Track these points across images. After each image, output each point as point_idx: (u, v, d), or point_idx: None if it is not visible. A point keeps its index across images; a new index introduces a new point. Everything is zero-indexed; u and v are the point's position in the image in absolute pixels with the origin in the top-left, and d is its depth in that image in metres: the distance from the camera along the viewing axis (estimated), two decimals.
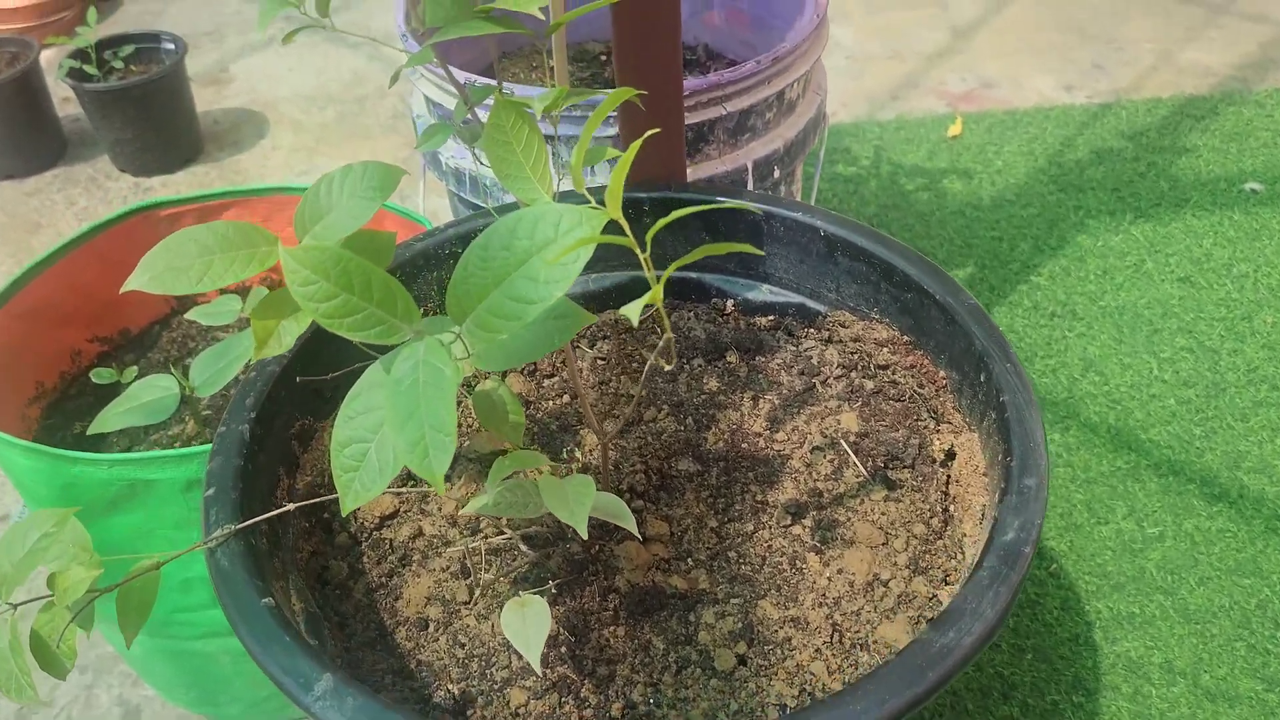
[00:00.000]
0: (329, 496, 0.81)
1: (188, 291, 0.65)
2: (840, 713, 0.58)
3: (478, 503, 0.73)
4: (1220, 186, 1.90)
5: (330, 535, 0.84)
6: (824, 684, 0.71)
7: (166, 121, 2.07)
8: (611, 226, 0.58)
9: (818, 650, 0.73)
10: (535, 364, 0.98)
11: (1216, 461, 1.43)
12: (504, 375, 0.97)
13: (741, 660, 0.73)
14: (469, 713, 0.71)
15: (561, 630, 0.75)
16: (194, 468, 1.00)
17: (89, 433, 1.08)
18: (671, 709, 0.70)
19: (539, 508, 0.72)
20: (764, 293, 1.00)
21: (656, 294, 0.56)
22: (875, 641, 0.73)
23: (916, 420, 0.88)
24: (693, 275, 1.02)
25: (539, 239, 0.59)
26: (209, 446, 1.01)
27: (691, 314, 1.02)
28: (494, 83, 0.94)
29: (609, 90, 1.02)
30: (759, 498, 0.84)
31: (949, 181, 1.95)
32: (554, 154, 1.12)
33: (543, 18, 0.64)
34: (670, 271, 0.60)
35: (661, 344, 0.61)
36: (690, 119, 1.11)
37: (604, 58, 1.47)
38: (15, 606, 0.64)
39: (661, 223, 0.57)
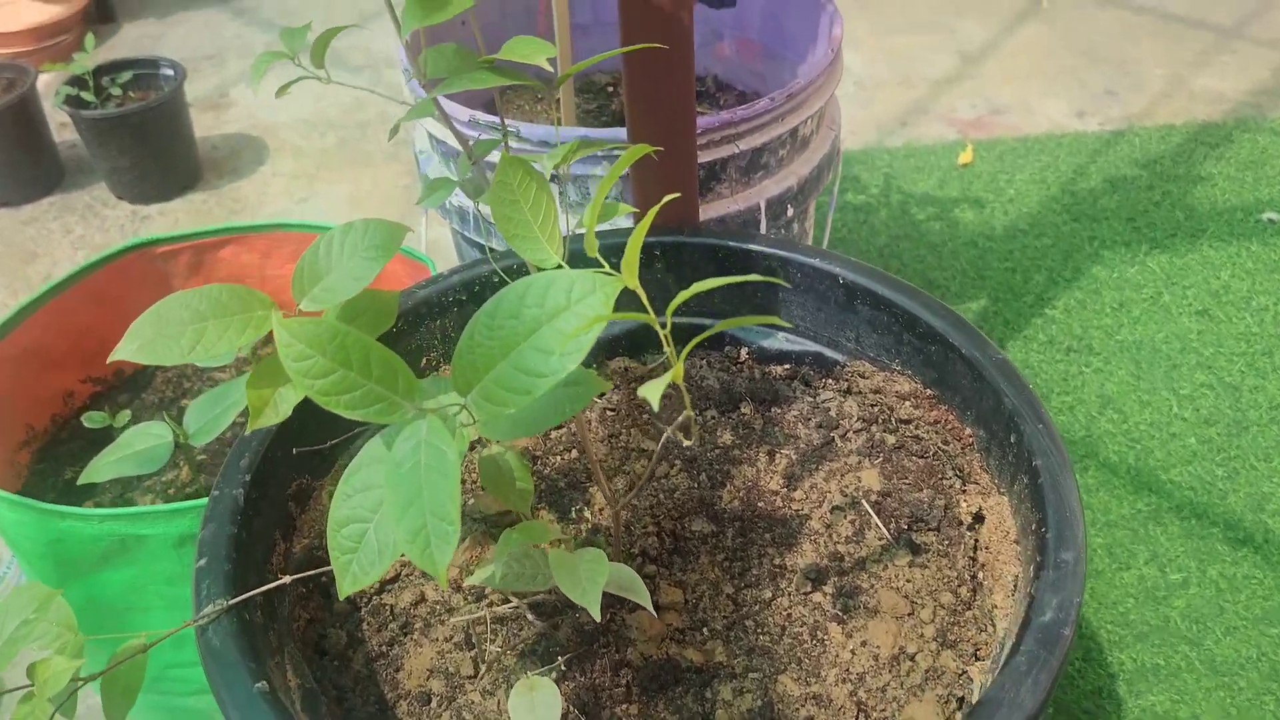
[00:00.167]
0: (327, 568, 0.77)
1: (179, 362, 0.61)
2: None
3: (484, 573, 0.69)
4: (1237, 216, 1.86)
5: (329, 600, 0.80)
6: None
7: (164, 149, 2.04)
8: (628, 297, 0.55)
9: None
10: None
11: (1240, 504, 1.39)
12: None
13: None
14: None
15: (571, 709, 0.71)
16: (186, 522, 0.96)
17: (79, 482, 1.04)
18: None
19: (548, 580, 0.68)
20: (780, 340, 0.96)
21: (678, 372, 0.52)
22: None
23: (941, 479, 0.84)
24: (706, 322, 0.98)
25: (549, 307, 0.55)
26: (202, 501, 0.97)
27: (704, 362, 0.98)
28: (498, 130, 0.90)
29: (621, 137, 0.98)
30: (777, 561, 0.80)
31: (960, 211, 1.92)
32: (560, 192, 1.09)
33: (550, 69, 0.60)
34: (693, 343, 0.56)
35: (681, 419, 0.57)
36: (702, 157, 1.08)
37: (611, 89, 1.44)
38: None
39: (682, 296, 0.53)
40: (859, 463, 0.87)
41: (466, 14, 1.33)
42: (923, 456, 0.86)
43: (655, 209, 0.55)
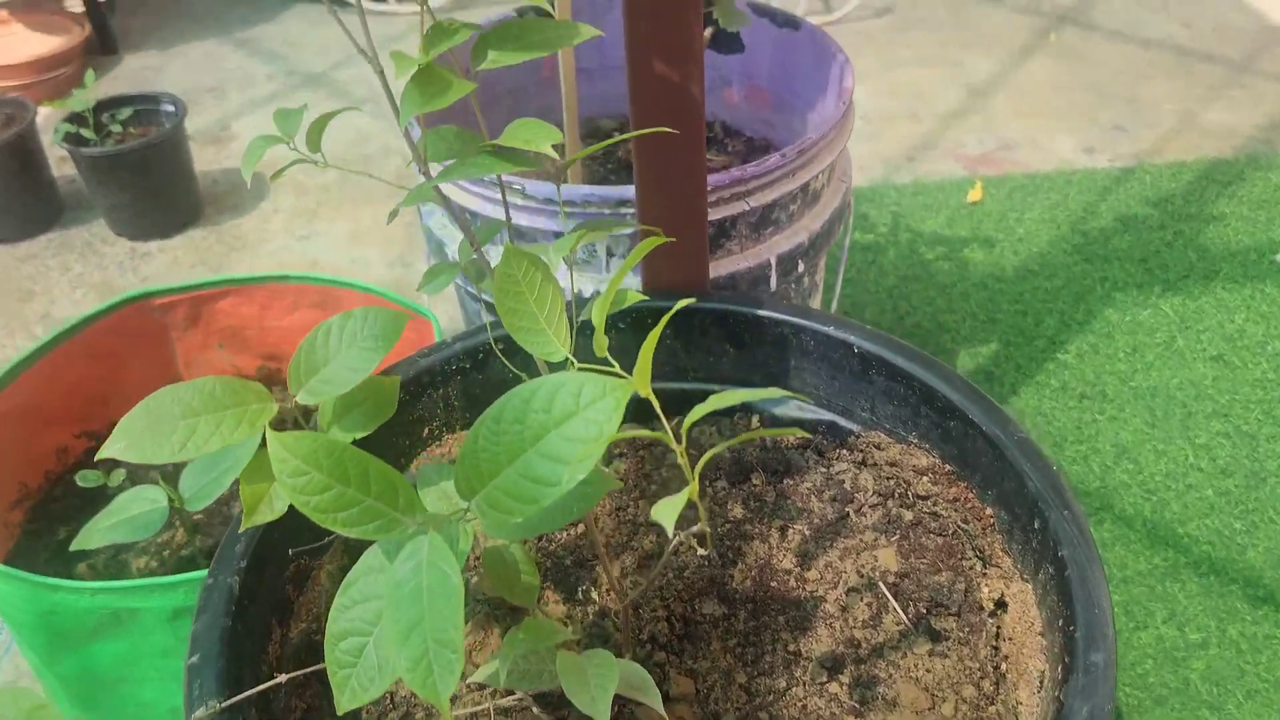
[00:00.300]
0: (323, 665, 0.75)
1: (170, 460, 0.58)
2: None
3: (488, 670, 0.66)
4: (1250, 257, 1.84)
5: (326, 689, 0.77)
6: None
7: (164, 186, 2.02)
8: (641, 410, 0.52)
9: None
10: None
11: (1260, 559, 1.36)
12: None
13: None
14: None
15: None
16: (180, 596, 0.94)
17: (72, 548, 1.01)
18: None
19: (554, 678, 0.66)
20: (792, 408, 0.93)
21: (693, 489, 0.49)
22: None
23: (961, 560, 0.81)
24: (715, 388, 0.95)
25: (557, 412, 0.53)
26: (196, 575, 0.94)
27: (714, 429, 0.96)
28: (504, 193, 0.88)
29: (629, 195, 0.96)
30: (791, 648, 0.77)
31: (970, 250, 1.89)
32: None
33: (557, 156, 0.58)
34: (711, 454, 0.54)
35: (697, 529, 0.54)
36: (712, 214, 1.05)
37: (616, 134, 1.41)
38: None
39: (700, 411, 0.50)
40: (875, 539, 0.84)
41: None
42: (941, 535, 0.83)
43: (665, 318, 0.52)
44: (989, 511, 0.81)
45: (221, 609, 0.70)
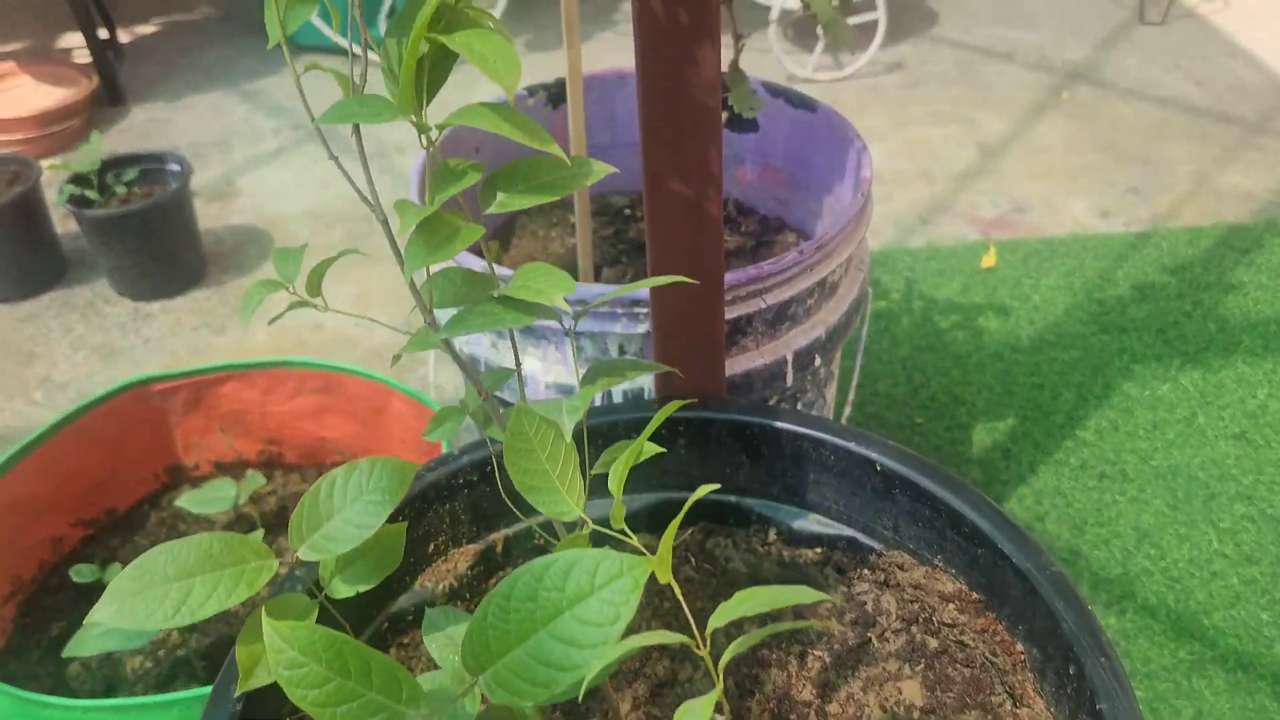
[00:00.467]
0: None
1: (162, 627, 0.55)
2: None
3: None
4: (1271, 329, 1.81)
5: None
6: None
7: (168, 247, 2.00)
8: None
9: None
10: None
11: None
12: None
13: None
14: None
15: None
16: (174, 715, 0.90)
17: (65, 654, 0.98)
18: None
19: None
20: (811, 522, 0.90)
21: (718, 692, 0.46)
22: None
23: (990, 695, 0.78)
24: (731, 499, 0.92)
25: (571, 592, 0.49)
26: (192, 694, 0.91)
27: (729, 542, 0.92)
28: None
29: (644, 294, 0.92)
30: None
31: (985, 319, 1.86)
32: (579, 348, 1.03)
33: (569, 310, 0.55)
34: (731, 654, 0.50)
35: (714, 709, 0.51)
36: (727, 313, 1.02)
37: (628, 211, 1.39)
38: None
39: (720, 618, 0.47)
40: (899, 669, 0.80)
41: (481, 141, 1.28)
42: (969, 666, 0.80)
43: (697, 493, 0.49)
44: (1019, 647, 0.77)
45: None
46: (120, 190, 1.96)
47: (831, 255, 1.06)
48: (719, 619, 0.48)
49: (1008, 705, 0.77)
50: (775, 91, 1.29)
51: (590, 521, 0.56)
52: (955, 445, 1.63)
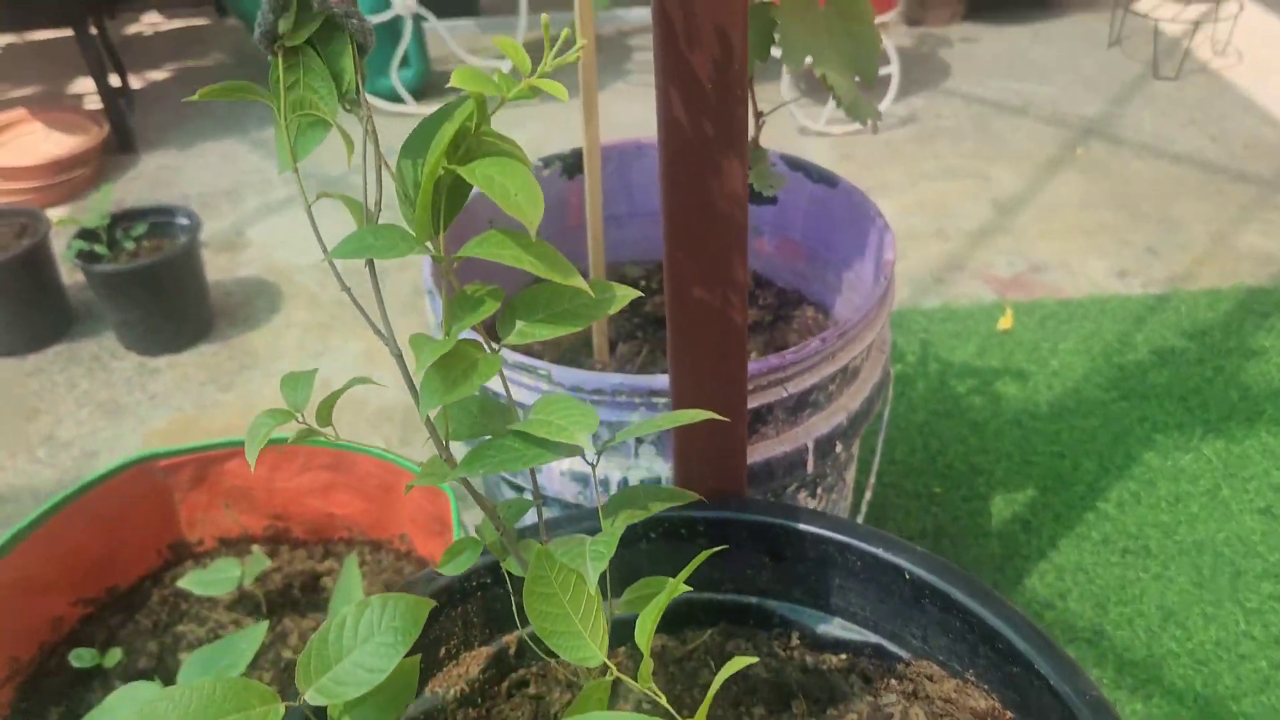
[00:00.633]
0: None
1: None
2: None
3: None
4: None
5: None
6: None
7: (176, 302, 1.98)
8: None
9: None
10: None
11: None
12: None
13: None
14: None
15: None
16: None
17: None
18: None
19: None
20: (835, 627, 0.87)
21: None
22: None
23: None
24: (752, 600, 0.89)
25: None
26: None
27: (750, 645, 0.89)
28: (532, 373, 0.83)
29: (663, 385, 0.89)
30: None
31: (1003, 384, 1.84)
32: (595, 434, 1.00)
33: (593, 449, 0.52)
34: None
35: None
36: (747, 402, 0.99)
37: (644, 282, 1.37)
38: None
39: None
40: None
41: (494, 214, 1.26)
42: None
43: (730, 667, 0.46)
44: None
45: None
46: (129, 245, 1.95)
47: (854, 341, 1.03)
48: None
49: None
50: (794, 165, 1.27)
51: (614, 668, 0.53)
52: (974, 516, 1.59)
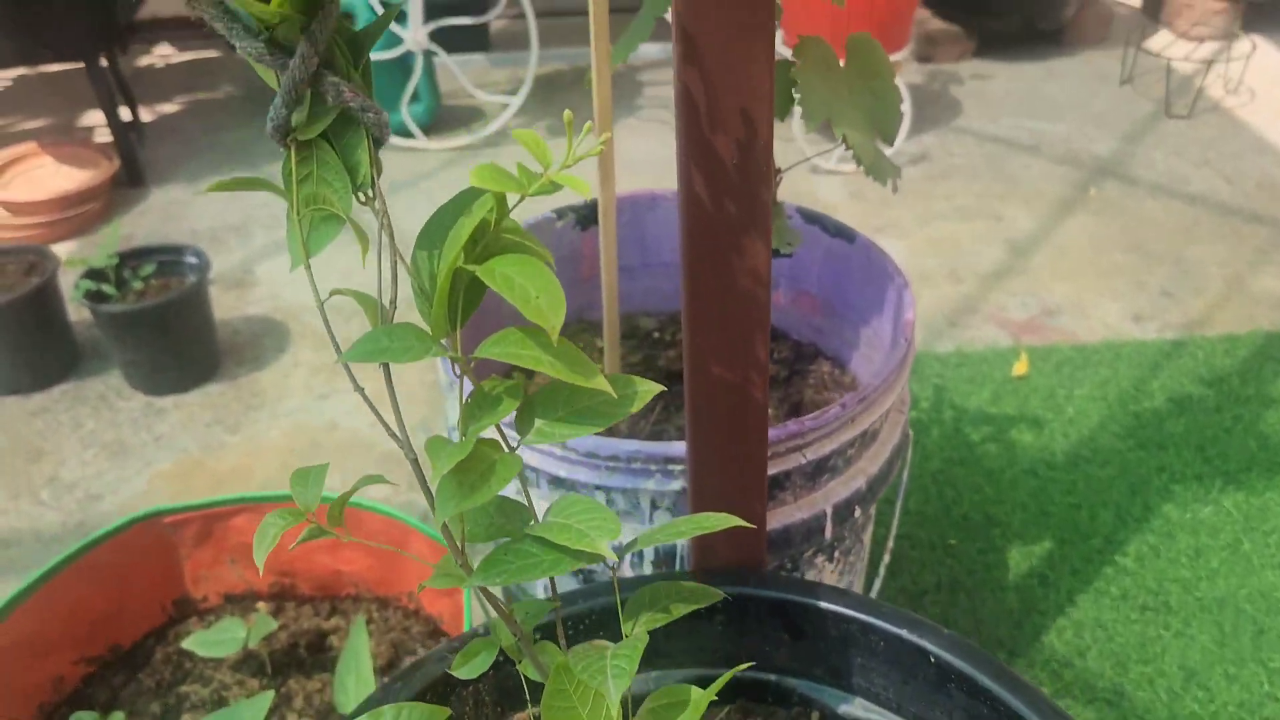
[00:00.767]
0: None
1: None
2: None
3: None
4: None
5: None
6: None
7: (183, 342, 1.97)
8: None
9: None
10: None
11: None
12: None
13: None
14: None
15: None
16: None
17: None
18: None
19: None
20: (857, 708, 0.84)
21: None
22: None
23: None
24: (771, 677, 0.87)
25: None
26: None
27: None
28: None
29: (680, 452, 0.87)
30: None
31: (1018, 431, 1.81)
32: (610, 501, 0.98)
33: (615, 558, 0.50)
34: None
35: None
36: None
37: (657, 334, 1.35)
38: None
39: None
40: None
41: None
42: None
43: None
44: None
45: None
46: (137, 285, 1.94)
47: (874, 405, 1.01)
48: None
49: None
50: (810, 218, 1.25)
51: None
52: (990, 569, 1.57)
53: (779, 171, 1.11)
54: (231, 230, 2.54)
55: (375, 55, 2.71)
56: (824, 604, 0.82)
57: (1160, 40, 3.29)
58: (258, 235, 2.51)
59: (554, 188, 0.48)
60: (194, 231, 2.53)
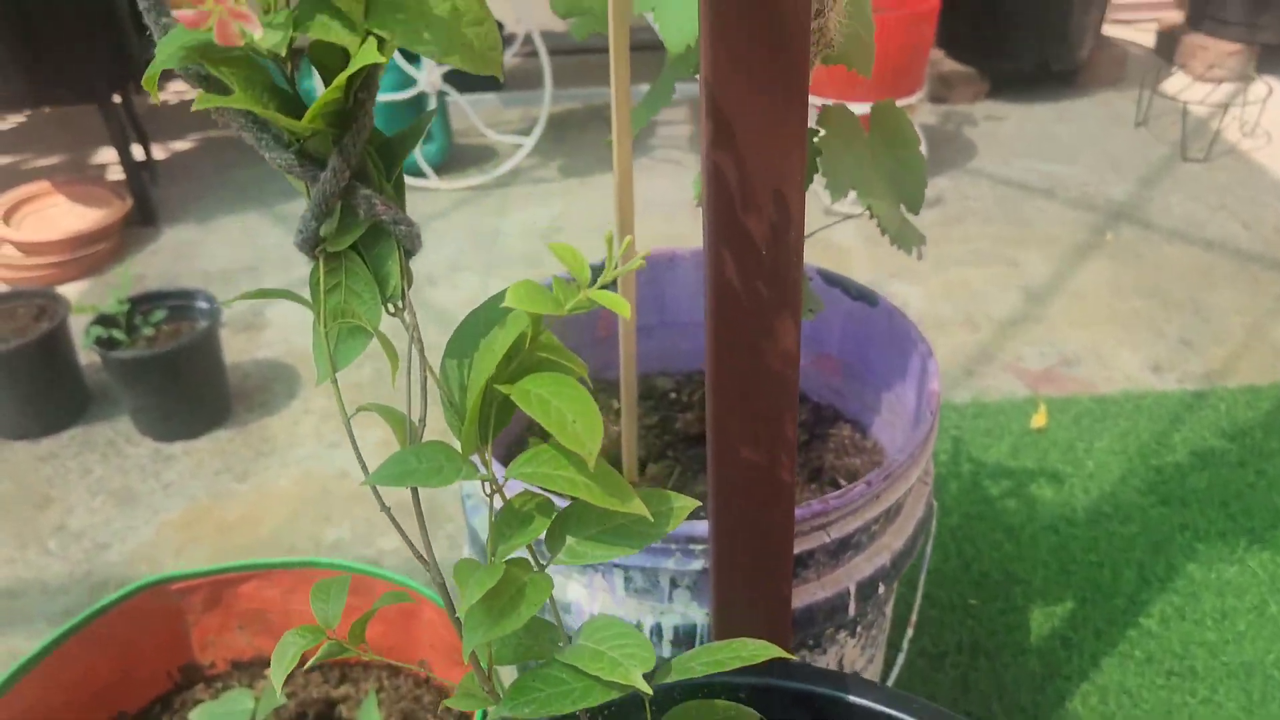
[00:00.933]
0: None
1: None
2: None
3: None
4: None
5: None
6: None
7: (193, 388, 1.95)
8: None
9: None
10: None
11: None
12: None
13: None
14: None
15: None
16: None
17: None
18: None
19: None
20: None
21: None
22: None
23: None
24: None
25: None
26: None
27: None
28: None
29: (702, 532, 0.85)
30: None
31: (1038, 486, 1.79)
32: (628, 578, 0.96)
33: (648, 690, 0.48)
34: None
35: None
36: None
37: (674, 395, 1.33)
38: None
39: None
40: None
41: None
42: None
43: None
44: None
45: None
46: (148, 331, 1.92)
47: (899, 481, 0.99)
48: None
49: None
50: (831, 281, 1.23)
51: None
52: (1011, 631, 1.54)
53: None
54: (243, 271, 2.53)
55: (389, 96, 2.71)
56: (852, 698, 0.80)
57: (1176, 83, 3.28)
58: (269, 276, 2.50)
59: (590, 304, 0.46)
60: (206, 272, 2.52)
